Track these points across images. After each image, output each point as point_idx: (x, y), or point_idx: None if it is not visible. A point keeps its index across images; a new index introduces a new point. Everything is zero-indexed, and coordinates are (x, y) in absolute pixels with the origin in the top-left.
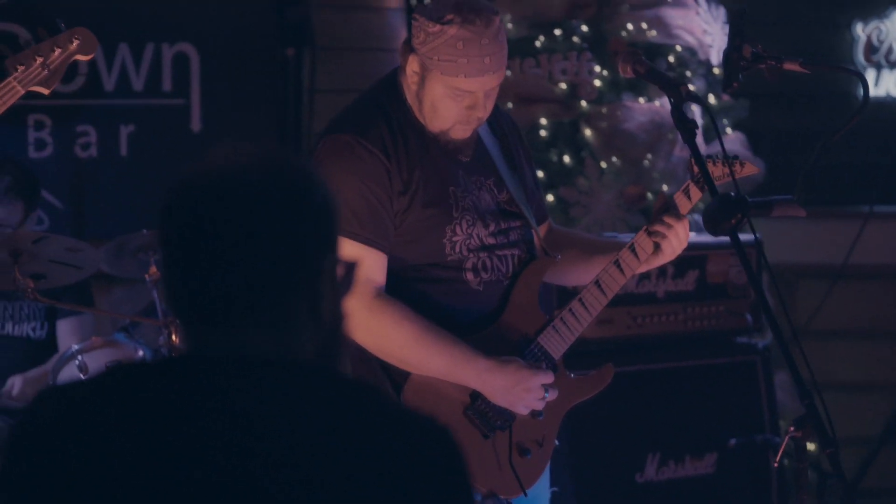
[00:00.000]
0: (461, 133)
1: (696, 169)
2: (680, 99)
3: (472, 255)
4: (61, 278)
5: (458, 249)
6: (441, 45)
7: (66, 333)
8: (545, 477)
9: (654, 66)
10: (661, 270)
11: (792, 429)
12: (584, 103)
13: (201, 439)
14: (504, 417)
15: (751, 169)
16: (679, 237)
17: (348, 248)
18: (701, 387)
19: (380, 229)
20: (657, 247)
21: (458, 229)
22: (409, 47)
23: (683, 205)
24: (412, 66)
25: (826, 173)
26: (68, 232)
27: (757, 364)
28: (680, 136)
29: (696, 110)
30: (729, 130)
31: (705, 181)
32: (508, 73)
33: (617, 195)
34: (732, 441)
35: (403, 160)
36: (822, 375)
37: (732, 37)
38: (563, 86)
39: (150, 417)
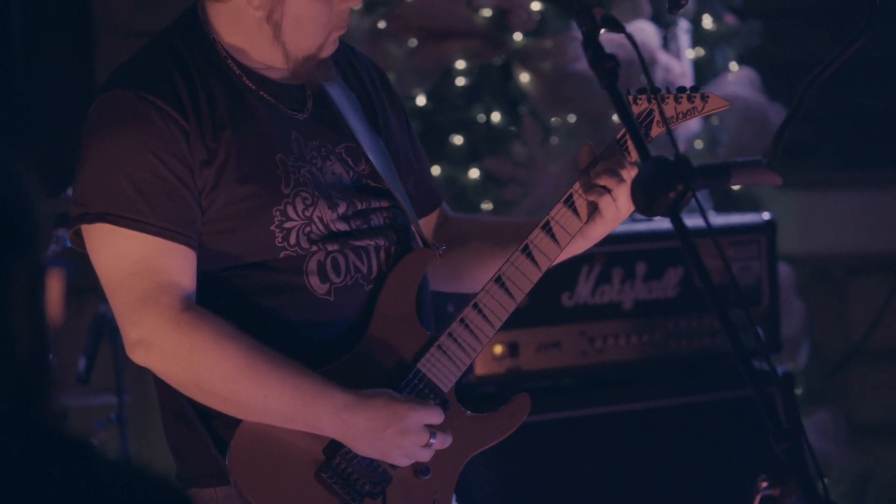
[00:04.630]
0: (332, 46)
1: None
2: (593, 26)
3: (315, 248)
4: None
5: (293, 240)
6: None
7: None
8: None
9: None
10: (628, 271)
11: (764, 484)
12: (518, 36)
13: None
14: (374, 478)
15: (717, 103)
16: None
17: (138, 244)
18: (691, 436)
19: (181, 215)
20: (594, 209)
21: (290, 211)
22: None
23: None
24: None
25: (877, 124)
26: None
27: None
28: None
29: (683, 40)
30: (734, 66)
31: (633, 141)
32: None
33: (569, 166)
34: None
35: (206, 119)
36: (878, 413)
37: None
38: (488, 13)
39: None
